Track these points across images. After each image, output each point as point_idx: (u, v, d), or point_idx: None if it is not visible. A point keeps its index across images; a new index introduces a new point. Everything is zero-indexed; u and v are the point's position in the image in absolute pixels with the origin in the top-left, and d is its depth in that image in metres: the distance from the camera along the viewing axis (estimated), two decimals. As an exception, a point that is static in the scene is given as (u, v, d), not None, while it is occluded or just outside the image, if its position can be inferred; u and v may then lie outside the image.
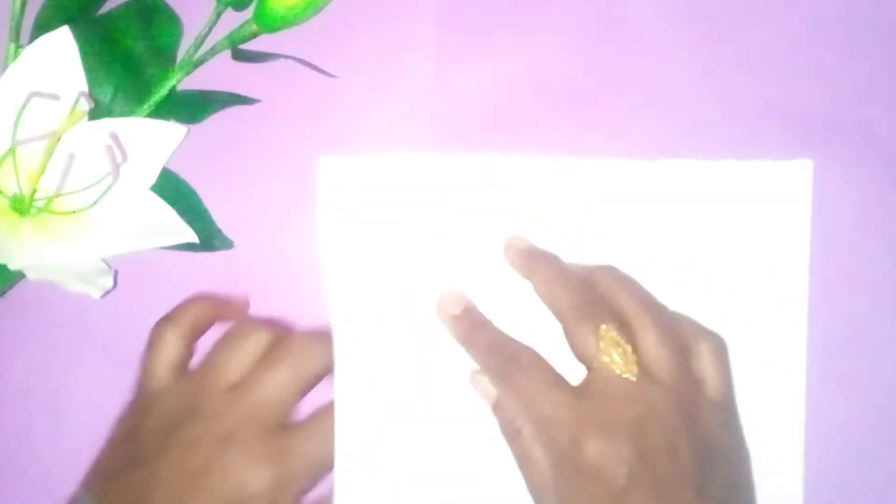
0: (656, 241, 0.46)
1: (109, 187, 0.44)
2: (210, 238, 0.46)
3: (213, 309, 0.44)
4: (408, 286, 0.46)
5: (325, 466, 0.41)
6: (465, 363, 0.45)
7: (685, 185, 0.46)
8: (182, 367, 0.43)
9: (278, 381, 0.41)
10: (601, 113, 0.46)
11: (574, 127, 0.46)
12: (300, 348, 0.42)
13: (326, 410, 0.42)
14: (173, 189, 0.45)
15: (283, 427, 0.41)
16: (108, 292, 0.43)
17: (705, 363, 0.41)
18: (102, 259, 0.45)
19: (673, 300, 0.45)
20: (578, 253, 0.46)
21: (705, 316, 0.45)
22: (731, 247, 0.46)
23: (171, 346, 0.43)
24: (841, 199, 0.46)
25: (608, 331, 0.40)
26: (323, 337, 0.43)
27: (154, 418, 0.41)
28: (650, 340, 0.40)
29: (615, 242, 0.46)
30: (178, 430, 0.40)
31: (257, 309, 0.46)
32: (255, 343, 0.42)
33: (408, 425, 0.45)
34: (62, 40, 0.44)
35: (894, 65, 0.46)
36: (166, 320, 0.43)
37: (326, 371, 0.42)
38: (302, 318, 0.46)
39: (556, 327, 0.45)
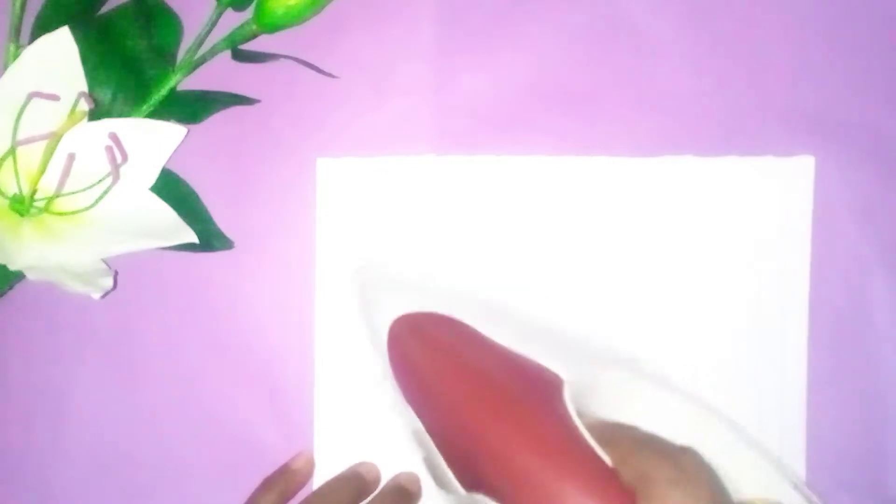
0: (658, 238, 0.46)
1: (109, 188, 0.44)
2: (210, 238, 0.46)
3: (281, 495, 0.44)
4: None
5: None
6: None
7: (687, 182, 0.46)
8: None
9: None
10: (601, 113, 0.46)
11: (574, 127, 0.46)
12: None
13: None
14: (173, 189, 0.45)
15: None
16: (108, 292, 0.43)
17: None
18: (102, 259, 0.45)
19: (674, 298, 0.45)
20: (579, 253, 0.46)
21: (706, 313, 0.45)
22: (733, 243, 0.46)
23: None
24: (842, 197, 0.46)
25: None
26: None
27: None
28: None
29: (616, 241, 0.46)
30: None
31: (256, 309, 0.46)
32: None
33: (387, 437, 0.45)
34: (62, 40, 0.44)
35: (895, 63, 0.46)
36: None
37: None
38: (301, 318, 0.46)
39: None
